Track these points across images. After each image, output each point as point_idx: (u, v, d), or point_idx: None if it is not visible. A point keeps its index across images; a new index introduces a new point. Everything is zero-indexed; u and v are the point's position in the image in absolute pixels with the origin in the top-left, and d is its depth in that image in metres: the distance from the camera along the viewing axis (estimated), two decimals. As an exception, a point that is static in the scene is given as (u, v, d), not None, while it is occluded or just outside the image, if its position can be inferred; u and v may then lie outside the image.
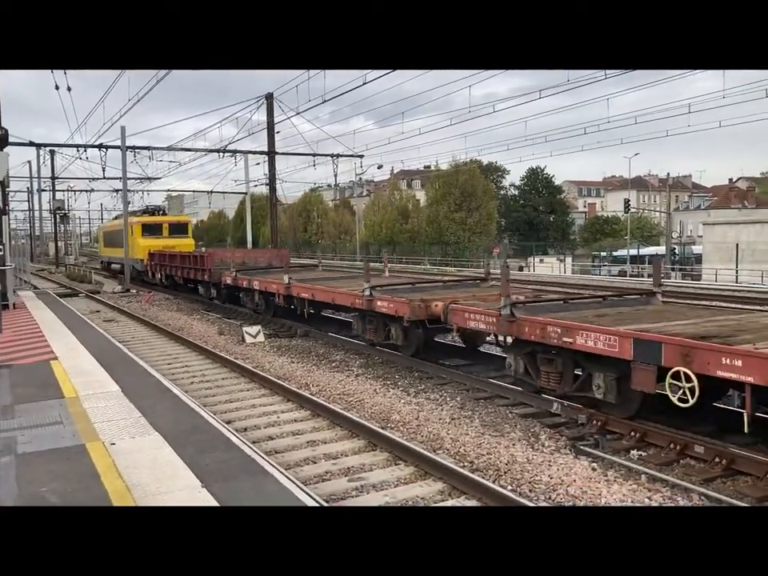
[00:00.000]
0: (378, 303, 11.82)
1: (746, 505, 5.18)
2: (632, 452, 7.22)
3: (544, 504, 5.77)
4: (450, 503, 5.99)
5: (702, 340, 6.64)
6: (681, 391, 6.48)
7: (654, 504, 5.76)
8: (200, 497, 4.84)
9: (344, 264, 39.38)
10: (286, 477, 5.43)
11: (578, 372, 8.30)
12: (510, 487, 6.26)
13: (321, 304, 14.77)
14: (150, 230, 31.95)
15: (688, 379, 6.41)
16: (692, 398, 6.38)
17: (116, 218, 44.36)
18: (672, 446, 7.09)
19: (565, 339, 7.87)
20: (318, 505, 4.30)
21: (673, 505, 5.19)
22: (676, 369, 6.53)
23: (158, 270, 27.35)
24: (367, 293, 12.05)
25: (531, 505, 5.26)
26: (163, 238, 31.59)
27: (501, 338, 9.91)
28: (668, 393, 6.60)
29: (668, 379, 6.58)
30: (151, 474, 5.33)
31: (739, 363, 6.06)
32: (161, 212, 36.27)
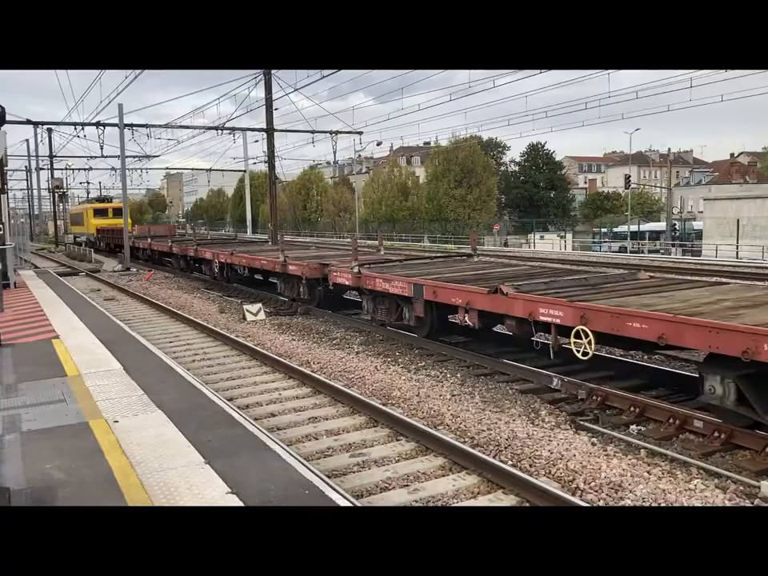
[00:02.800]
0: (175, 248, 26.13)
1: (746, 505, 5.22)
2: (631, 427, 7.27)
3: (563, 494, 5.81)
4: (451, 477, 6.06)
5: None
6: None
7: (650, 484, 5.82)
8: (203, 473, 4.90)
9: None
10: (289, 453, 5.49)
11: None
12: (510, 462, 6.32)
13: (162, 253, 28.55)
14: (99, 213, 44.73)
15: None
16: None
17: (80, 203, 57.53)
18: (671, 420, 7.14)
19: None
20: (338, 505, 4.30)
21: (672, 505, 5.22)
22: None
23: (102, 240, 40.79)
24: (170, 243, 26.85)
25: (552, 505, 5.26)
26: (108, 218, 43.37)
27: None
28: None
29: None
30: (155, 450, 5.38)
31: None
32: (108, 200, 50.23)
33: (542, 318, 8.26)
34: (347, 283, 12.89)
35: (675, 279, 11.67)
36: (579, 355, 7.75)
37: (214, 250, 21.39)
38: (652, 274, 11.37)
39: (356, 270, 12.45)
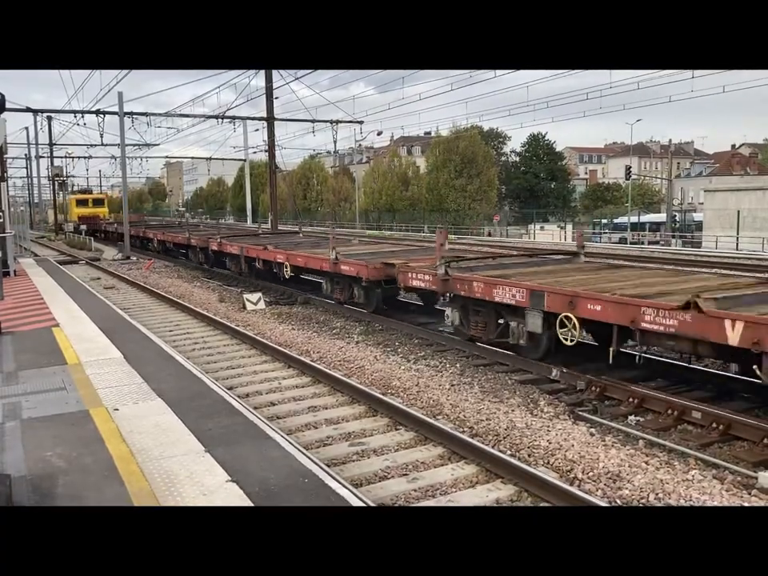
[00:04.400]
0: (132, 231, 31.54)
1: (746, 505, 5.24)
2: (630, 417, 7.29)
3: (578, 493, 5.81)
4: (450, 467, 6.08)
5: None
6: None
7: (648, 474, 5.84)
8: (203, 461, 4.92)
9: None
10: (288, 442, 5.51)
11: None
12: (509, 452, 6.34)
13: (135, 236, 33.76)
14: (81, 203, 51.84)
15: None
16: None
17: (64, 195, 61.88)
18: (670, 411, 7.17)
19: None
20: (341, 506, 4.30)
21: (673, 505, 5.24)
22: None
23: (82, 225, 47.07)
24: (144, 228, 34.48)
25: (552, 505, 5.27)
26: (89, 207, 51.07)
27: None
28: None
29: None
30: (155, 438, 5.41)
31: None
32: (89, 192, 58.46)
33: (278, 260, 16.12)
34: (216, 249, 19.98)
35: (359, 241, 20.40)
36: (287, 275, 15.68)
37: (154, 231, 30.20)
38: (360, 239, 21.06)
39: (219, 240, 20.35)
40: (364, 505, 4.43)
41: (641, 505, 5.29)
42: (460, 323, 10.43)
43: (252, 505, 4.25)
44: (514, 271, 10.38)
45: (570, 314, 8.03)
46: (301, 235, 22.60)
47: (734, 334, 6.21)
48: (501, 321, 9.67)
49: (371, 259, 13.01)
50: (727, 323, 6.27)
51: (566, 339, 8.16)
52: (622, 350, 9.45)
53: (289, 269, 15.42)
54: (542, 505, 5.32)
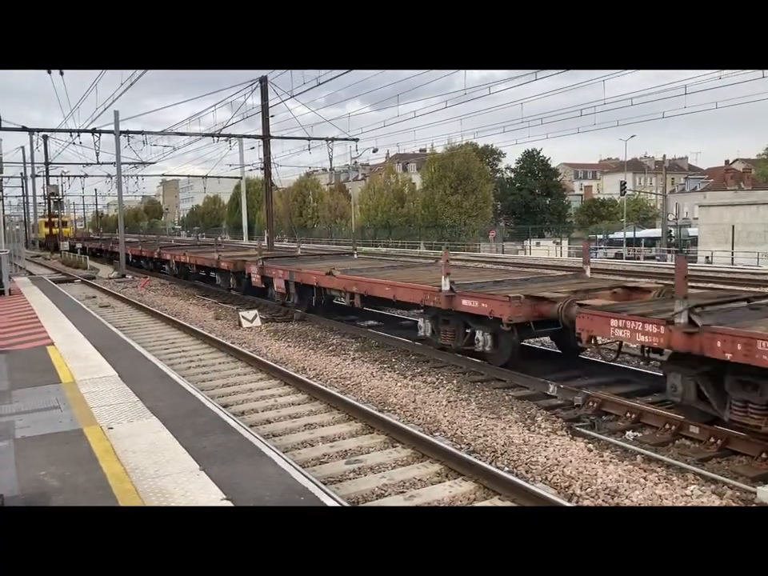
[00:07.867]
0: (86, 243, 47.90)
1: (746, 505, 5.21)
2: (627, 433, 7.26)
3: (562, 503, 5.78)
4: (447, 484, 6.04)
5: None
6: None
7: (646, 490, 5.81)
8: (198, 479, 4.88)
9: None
10: (284, 459, 5.47)
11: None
12: (506, 468, 6.30)
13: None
14: (47, 224, 58.72)
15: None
16: None
17: (41, 217, 69.33)
18: (667, 426, 7.14)
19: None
20: (330, 505, 4.27)
21: (672, 505, 5.21)
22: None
23: (48, 242, 55.11)
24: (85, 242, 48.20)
25: (550, 505, 5.24)
26: (55, 228, 57.11)
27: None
28: None
29: None
30: (149, 457, 5.36)
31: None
32: (56, 216, 63.66)
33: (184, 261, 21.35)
34: (146, 255, 24.63)
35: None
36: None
37: (104, 243, 38.14)
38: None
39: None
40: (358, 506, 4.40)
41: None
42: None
43: (239, 506, 4.23)
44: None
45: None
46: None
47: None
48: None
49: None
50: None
51: None
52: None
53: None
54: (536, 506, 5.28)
